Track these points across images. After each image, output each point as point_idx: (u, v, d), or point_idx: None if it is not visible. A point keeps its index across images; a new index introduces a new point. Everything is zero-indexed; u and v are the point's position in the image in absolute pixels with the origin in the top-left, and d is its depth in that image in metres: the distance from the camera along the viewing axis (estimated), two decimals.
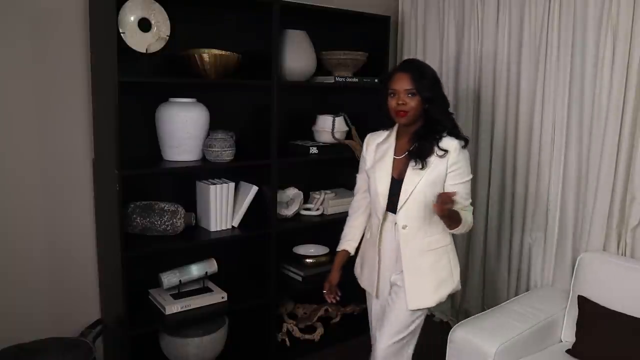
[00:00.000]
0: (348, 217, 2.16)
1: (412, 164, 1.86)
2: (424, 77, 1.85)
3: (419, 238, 1.89)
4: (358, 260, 2.14)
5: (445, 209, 1.70)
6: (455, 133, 1.89)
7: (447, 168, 1.85)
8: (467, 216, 1.86)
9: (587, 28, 2.35)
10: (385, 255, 1.96)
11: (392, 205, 1.90)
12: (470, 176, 1.91)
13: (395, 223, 1.90)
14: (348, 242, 2.12)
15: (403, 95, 1.83)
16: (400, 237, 1.89)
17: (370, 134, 2.08)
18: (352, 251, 2.13)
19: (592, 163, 2.40)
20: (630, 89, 2.23)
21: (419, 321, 1.96)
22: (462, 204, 1.86)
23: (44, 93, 2.20)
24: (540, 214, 2.64)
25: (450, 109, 1.94)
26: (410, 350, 1.98)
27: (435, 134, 1.87)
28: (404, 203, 1.86)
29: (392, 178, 1.91)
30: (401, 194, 1.86)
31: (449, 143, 1.86)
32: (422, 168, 1.84)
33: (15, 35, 2.11)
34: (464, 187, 1.88)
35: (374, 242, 1.97)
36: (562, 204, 2.54)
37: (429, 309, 1.98)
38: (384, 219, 1.93)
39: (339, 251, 2.13)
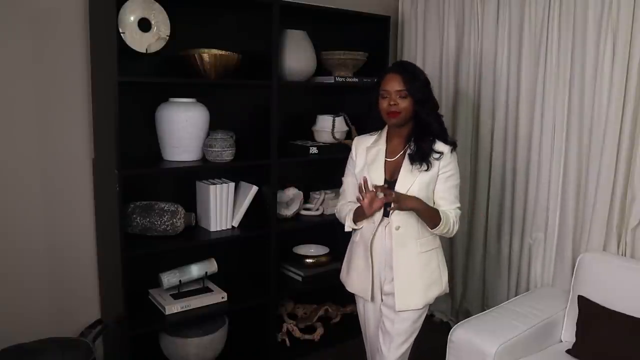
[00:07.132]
0: (340, 208, 2.06)
1: (411, 166, 1.85)
2: (416, 79, 1.85)
3: (411, 239, 1.88)
4: (344, 266, 2.10)
5: (392, 199, 1.72)
6: (444, 138, 1.90)
7: (439, 170, 1.86)
8: (449, 217, 1.87)
9: (587, 28, 2.35)
10: (377, 259, 1.93)
11: (385, 208, 1.88)
12: (459, 180, 1.92)
13: (387, 226, 1.89)
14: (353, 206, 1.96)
15: (395, 96, 1.84)
16: (393, 238, 1.88)
17: (357, 137, 2.08)
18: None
19: (592, 163, 2.39)
20: (630, 89, 2.23)
21: (420, 324, 1.97)
22: (450, 206, 1.88)
23: (44, 93, 2.20)
24: (540, 214, 2.64)
25: (440, 112, 1.95)
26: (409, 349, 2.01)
27: (429, 136, 1.88)
28: None
29: (385, 180, 1.90)
30: None
31: (440, 146, 1.88)
32: (428, 169, 1.84)
33: (15, 35, 2.11)
34: (454, 189, 1.90)
35: (366, 246, 1.93)
36: (562, 204, 2.54)
37: (428, 309, 1.98)
38: (379, 222, 1.91)
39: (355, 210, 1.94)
